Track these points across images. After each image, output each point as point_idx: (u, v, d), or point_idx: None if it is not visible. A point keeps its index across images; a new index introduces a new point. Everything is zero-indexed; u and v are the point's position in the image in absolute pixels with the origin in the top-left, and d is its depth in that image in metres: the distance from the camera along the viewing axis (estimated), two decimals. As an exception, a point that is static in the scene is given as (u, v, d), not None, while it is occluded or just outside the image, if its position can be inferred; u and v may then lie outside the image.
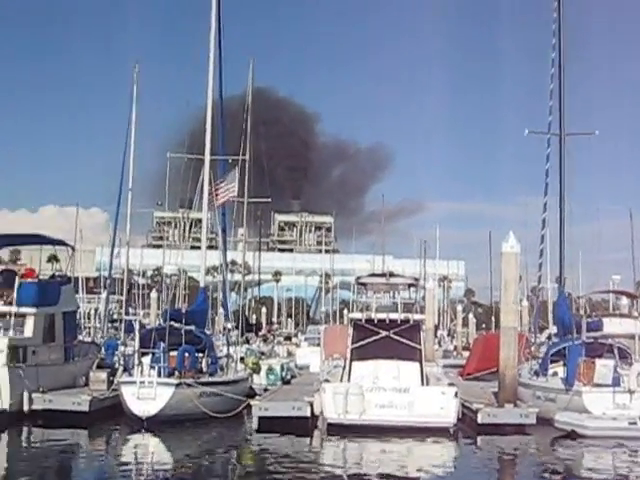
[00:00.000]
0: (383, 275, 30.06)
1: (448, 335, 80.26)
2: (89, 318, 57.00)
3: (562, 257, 33.17)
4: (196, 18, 34.21)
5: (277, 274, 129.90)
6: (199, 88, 34.31)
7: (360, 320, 27.76)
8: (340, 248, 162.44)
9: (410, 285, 29.90)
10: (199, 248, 34.53)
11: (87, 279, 72.45)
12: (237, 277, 63.26)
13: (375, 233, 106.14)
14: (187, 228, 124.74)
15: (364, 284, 30.07)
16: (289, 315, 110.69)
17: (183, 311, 31.74)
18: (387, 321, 27.32)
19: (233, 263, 69.55)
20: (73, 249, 34.99)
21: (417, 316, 28.12)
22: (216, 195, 33.14)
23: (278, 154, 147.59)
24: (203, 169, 33.10)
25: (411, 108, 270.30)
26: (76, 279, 62.70)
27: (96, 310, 58.03)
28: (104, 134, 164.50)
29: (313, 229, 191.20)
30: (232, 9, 40.77)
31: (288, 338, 72.96)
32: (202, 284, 33.62)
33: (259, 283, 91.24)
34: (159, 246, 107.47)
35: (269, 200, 54.83)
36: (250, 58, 53.92)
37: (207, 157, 33.06)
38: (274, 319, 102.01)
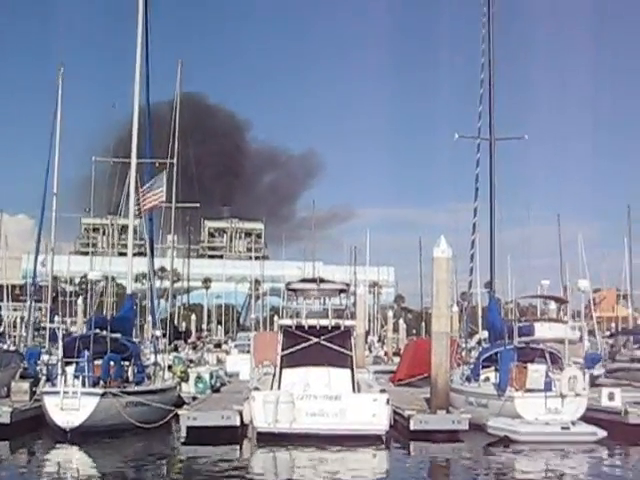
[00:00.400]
0: (314, 281, 29.49)
1: (379, 341, 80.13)
2: (15, 327, 55.80)
3: (492, 262, 33.15)
4: (123, 19, 33.60)
5: (207, 281, 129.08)
6: (126, 90, 33.63)
7: (290, 327, 27.29)
8: (270, 255, 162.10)
9: (341, 291, 29.45)
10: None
11: (13, 286, 71.10)
12: (166, 284, 62.31)
13: (306, 240, 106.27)
14: (116, 235, 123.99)
15: (294, 290, 29.56)
16: (219, 322, 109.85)
17: (109, 318, 30.88)
18: (318, 327, 26.92)
19: (162, 270, 68.70)
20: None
21: (348, 322, 27.68)
22: (143, 201, 32.33)
23: (208, 160, 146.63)
24: (129, 173, 32.26)
25: (342, 115, 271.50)
26: (1, 286, 61.91)
27: (22, 318, 56.71)
28: (29, 137, 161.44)
29: (243, 236, 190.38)
30: (161, 13, 39.89)
31: (218, 345, 72.28)
32: (129, 291, 32.80)
33: (188, 290, 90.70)
34: (87, 253, 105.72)
35: (197, 205, 54.14)
36: (178, 60, 52.84)
37: (133, 160, 32.23)
38: (204, 326, 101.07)
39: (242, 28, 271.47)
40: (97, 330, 28.54)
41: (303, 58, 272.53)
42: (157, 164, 33.83)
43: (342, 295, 29.65)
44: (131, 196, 32.48)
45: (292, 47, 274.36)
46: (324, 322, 27.06)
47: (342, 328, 27.04)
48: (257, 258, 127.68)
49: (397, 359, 51.05)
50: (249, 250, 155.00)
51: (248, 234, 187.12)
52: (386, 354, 65.15)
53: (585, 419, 25.91)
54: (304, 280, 30.39)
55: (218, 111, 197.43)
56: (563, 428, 24.77)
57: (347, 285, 30.79)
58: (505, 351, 28.19)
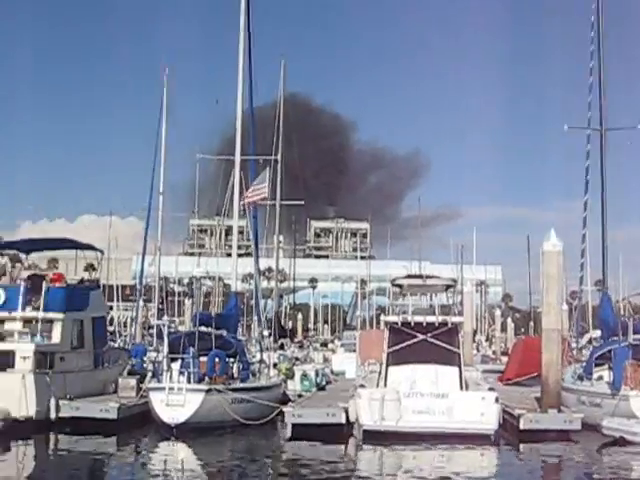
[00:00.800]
0: (420, 277, 29.03)
1: (486, 340, 78.81)
2: (125, 326, 56.63)
3: (604, 257, 31.90)
4: (226, 20, 33.52)
5: (313, 280, 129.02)
6: (230, 88, 33.65)
7: (396, 323, 26.74)
8: (376, 254, 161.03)
9: (448, 287, 28.81)
10: (238, 257, 33.81)
11: (123, 287, 72.42)
12: (272, 284, 62.40)
13: (411, 239, 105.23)
14: (222, 236, 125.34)
15: (400, 286, 29.04)
16: (325, 321, 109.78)
17: (213, 315, 30.87)
18: (424, 324, 26.32)
19: (269, 270, 68.94)
20: (102, 253, 34.28)
21: (455, 319, 27.00)
22: (246, 196, 32.29)
23: (312, 160, 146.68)
24: (233, 171, 32.21)
25: (448, 112, 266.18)
26: (112, 287, 63.03)
27: (132, 318, 57.60)
28: (138, 139, 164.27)
29: (349, 235, 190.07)
30: (263, 11, 39.85)
31: (324, 344, 72.00)
32: (233, 288, 32.75)
33: (294, 290, 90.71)
34: (195, 254, 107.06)
35: (302, 203, 53.77)
36: (282, 59, 52.81)
37: (237, 157, 32.25)
38: (310, 325, 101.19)
39: (347, 26, 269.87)
40: (202, 327, 28.53)
41: (408, 56, 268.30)
42: (261, 161, 33.75)
43: (449, 291, 29.03)
44: (235, 192, 32.52)
45: (398, 45, 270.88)
46: (431, 319, 26.46)
47: (449, 325, 26.41)
48: (363, 258, 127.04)
49: (505, 358, 49.99)
50: (355, 250, 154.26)
51: (354, 234, 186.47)
52: (494, 353, 64.01)
53: None
54: (410, 276, 29.98)
55: (323, 112, 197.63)
56: (684, 429, 23.62)
57: (454, 281, 30.16)
58: (619, 348, 27.06)
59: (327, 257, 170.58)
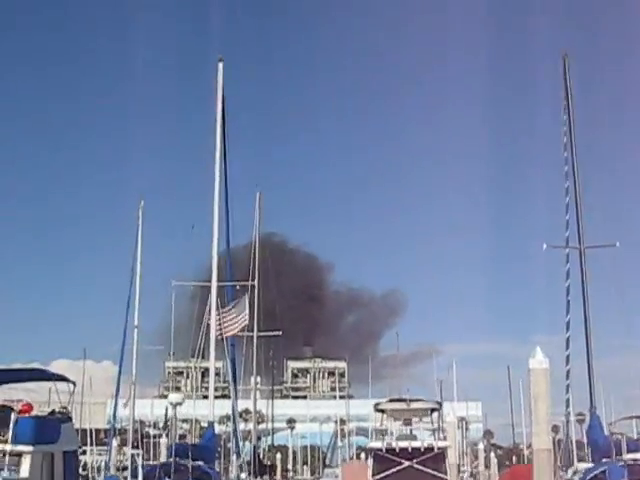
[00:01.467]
0: (403, 400, 28.18)
1: (470, 476, 76.96)
2: (99, 471, 55.07)
3: (591, 381, 30.98)
4: (200, 153, 33.38)
5: (291, 421, 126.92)
6: (205, 218, 33.29)
7: (380, 450, 25.90)
8: (355, 394, 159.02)
9: (432, 410, 27.98)
10: (216, 398, 33.13)
11: (97, 431, 71.02)
12: (250, 426, 60.90)
13: (390, 378, 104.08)
14: (199, 377, 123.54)
15: (383, 410, 28.14)
16: (305, 462, 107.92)
17: (190, 446, 29.64)
18: (409, 450, 25.60)
19: (246, 412, 67.50)
20: (74, 384, 33.00)
21: (442, 443, 26.24)
22: (225, 324, 31.51)
23: (289, 299, 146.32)
24: (210, 298, 31.53)
25: (423, 250, 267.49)
26: (85, 431, 61.53)
27: (105, 462, 56.21)
28: (111, 276, 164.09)
29: (326, 375, 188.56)
30: (237, 145, 39.84)
31: (305, 485, 70.37)
32: (211, 418, 31.59)
33: (272, 431, 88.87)
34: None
35: (279, 333, 52.70)
36: (257, 190, 52.55)
37: (214, 284, 31.58)
38: (289, 467, 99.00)
39: (320, 154, 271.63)
40: (178, 458, 27.29)
41: (382, 188, 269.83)
42: (238, 287, 33.16)
43: (434, 415, 28.09)
44: (212, 319, 31.75)
45: (371, 177, 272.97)
46: (416, 444, 25.81)
47: (435, 450, 25.59)
48: (342, 397, 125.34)
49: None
50: (333, 389, 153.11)
51: (331, 373, 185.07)
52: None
53: None
54: (393, 400, 29.11)
55: (299, 253, 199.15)
56: None
57: (439, 404, 29.32)
58: (614, 468, 26.04)
59: (305, 397, 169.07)
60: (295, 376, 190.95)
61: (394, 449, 25.54)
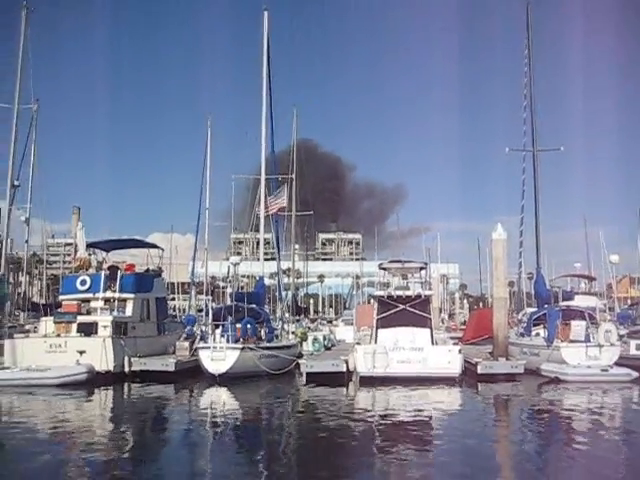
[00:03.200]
0: (400, 261, 28.12)
1: (449, 317, 77.60)
2: (184, 311, 55.93)
3: (538, 250, 30.64)
4: (252, 79, 32.53)
5: (321, 277, 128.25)
6: (257, 128, 32.67)
7: (383, 297, 25.93)
8: (367, 257, 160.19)
9: (421, 268, 27.90)
10: (265, 260, 33.26)
11: (182, 283, 71.56)
12: (291, 280, 61.37)
13: (393, 247, 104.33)
14: (254, 246, 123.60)
15: (385, 269, 28.13)
16: (330, 306, 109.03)
17: (246, 293, 29.95)
18: (404, 297, 25.52)
19: (288, 270, 67.96)
20: (163, 250, 33.42)
21: (427, 292, 26.14)
22: (270, 204, 31.54)
23: (319, 190, 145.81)
24: (260, 185, 31.40)
25: (424, 147, 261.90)
26: (173, 284, 62.32)
27: (189, 305, 56.97)
28: (188, 172, 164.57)
29: (347, 244, 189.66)
30: (281, 72, 38.97)
31: (329, 321, 71.00)
32: (262, 273, 31.84)
33: (306, 284, 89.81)
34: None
35: (311, 213, 52.73)
36: (294, 108, 51.48)
37: (263, 176, 31.43)
38: (319, 309, 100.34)
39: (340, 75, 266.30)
40: (237, 302, 27.63)
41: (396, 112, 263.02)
42: (280, 179, 32.91)
43: (422, 272, 28.07)
44: (262, 202, 31.64)
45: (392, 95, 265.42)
46: (408, 293, 25.66)
47: (422, 297, 25.57)
48: (357, 259, 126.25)
49: (464, 327, 48.90)
50: (351, 254, 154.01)
51: (350, 243, 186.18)
52: (454, 325, 62.86)
53: (618, 365, 23.72)
54: (392, 261, 28.99)
55: (328, 156, 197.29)
56: (603, 370, 22.68)
57: (425, 264, 29.19)
58: (553, 311, 26.16)
59: (331, 259, 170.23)
60: (324, 244, 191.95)
61: (393, 296, 25.57)
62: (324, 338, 34.05)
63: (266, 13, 32.46)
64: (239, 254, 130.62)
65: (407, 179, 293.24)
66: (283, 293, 37.73)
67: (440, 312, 66.29)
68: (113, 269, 28.60)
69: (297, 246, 78.57)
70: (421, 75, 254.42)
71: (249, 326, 26.10)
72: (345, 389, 23.16)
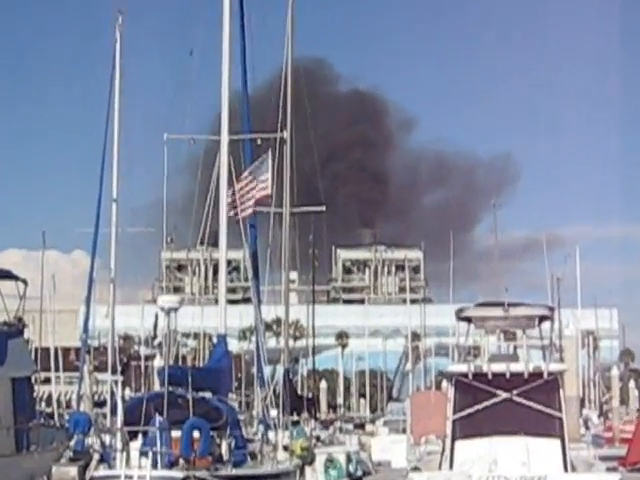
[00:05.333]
0: (499, 304, 28.15)
1: (599, 416, 77.92)
2: (69, 406, 56.36)
3: None
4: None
5: (342, 336, 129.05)
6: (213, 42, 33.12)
7: (465, 376, 26.03)
8: (434, 297, 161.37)
9: (542, 319, 27.97)
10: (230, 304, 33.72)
11: (66, 350, 71.85)
12: (283, 342, 61.68)
13: (485, 276, 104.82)
14: (210, 273, 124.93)
15: (469, 319, 28.22)
16: (361, 395, 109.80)
17: (191, 370, 30.20)
18: (507, 376, 25.66)
19: (277, 322, 68.30)
20: (25, 284, 33.66)
21: (554, 366, 26.27)
22: (241, 199, 31.69)
23: (338, 164, 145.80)
24: (219, 156, 31.64)
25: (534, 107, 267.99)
26: (48, 351, 62.66)
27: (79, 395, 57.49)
28: (81, 135, 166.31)
29: (393, 269, 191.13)
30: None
31: (360, 426, 71.67)
32: (221, 330, 32.08)
33: (314, 350, 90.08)
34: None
35: (323, 209, 52.84)
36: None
37: (224, 137, 31.63)
38: (339, 400, 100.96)
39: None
40: (174, 387, 27.81)
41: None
42: (259, 141, 33.10)
43: (544, 326, 28.21)
44: (222, 194, 31.88)
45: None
46: (517, 367, 25.82)
47: (545, 376, 25.67)
48: (415, 301, 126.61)
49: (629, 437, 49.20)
50: (403, 290, 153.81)
51: (400, 267, 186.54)
52: (610, 431, 63.11)
53: None
54: (484, 304, 29.14)
55: (356, 95, 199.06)
56: None
57: (551, 309, 29.32)
58: None
59: (362, 301, 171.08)
60: (348, 271, 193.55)
61: (485, 374, 25.61)
62: (348, 459, 34.35)
63: None
64: (177, 291, 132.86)
65: (515, 147, 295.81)
66: (266, 369, 38.03)
67: (582, 406, 66.63)
68: None
69: (295, 275, 79.00)
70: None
71: (197, 435, 26.31)
72: None
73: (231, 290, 30.46)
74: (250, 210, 32.50)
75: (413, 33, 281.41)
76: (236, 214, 32.21)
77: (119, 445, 26.08)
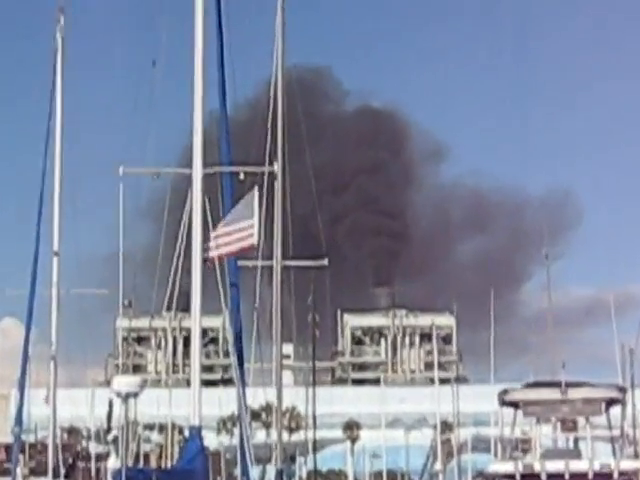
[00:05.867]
0: (555, 385, 28.32)
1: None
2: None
3: None
4: None
5: (352, 427, 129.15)
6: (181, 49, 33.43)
7: (512, 477, 26.12)
8: (470, 375, 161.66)
9: (610, 402, 28.11)
10: (206, 386, 33.51)
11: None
12: (275, 435, 61.70)
13: (535, 348, 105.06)
14: (180, 347, 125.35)
15: (516, 404, 28.38)
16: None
17: (156, 474, 30.26)
18: (566, 477, 25.67)
19: (267, 409, 68.45)
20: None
21: (627, 464, 26.31)
22: (215, 239, 31.88)
23: (345, 205, 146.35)
24: (190, 195, 31.82)
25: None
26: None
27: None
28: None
29: (417, 340, 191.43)
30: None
31: None
32: (195, 420, 32.07)
33: (315, 445, 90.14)
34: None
35: (325, 263, 53.18)
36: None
37: (198, 169, 31.79)
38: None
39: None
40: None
41: None
42: (242, 176, 33.32)
43: (613, 412, 28.34)
44: (195, 242, 32.05)
45: None
46: (578, 465, 25.90)
47: (616, 476, 25.74)
48: (445, 381, 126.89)
49: None
50: (429, 367, 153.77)
51: (426, 337, 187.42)
52: None
53: None
54: (535, 384, 29.32)
55: (369, 112, 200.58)
56: None
57: (621, 390, 29.43)
58: None
59: (377, 381, 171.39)
60: (359, 342, 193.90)
61: (537, 475, 25.80)
62: None
63: None
64: (138, 370, 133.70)
65: (575, 183, 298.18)
66: (254, 471, 38.07)
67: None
68: None
69: (290, 348, 79.40)
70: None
71: None
72: None
73: (207, 368, 30.34)
74: (233, 249, 32.59)
75: (434, 38, 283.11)
76: (212, 262, 32.29)
77: None
